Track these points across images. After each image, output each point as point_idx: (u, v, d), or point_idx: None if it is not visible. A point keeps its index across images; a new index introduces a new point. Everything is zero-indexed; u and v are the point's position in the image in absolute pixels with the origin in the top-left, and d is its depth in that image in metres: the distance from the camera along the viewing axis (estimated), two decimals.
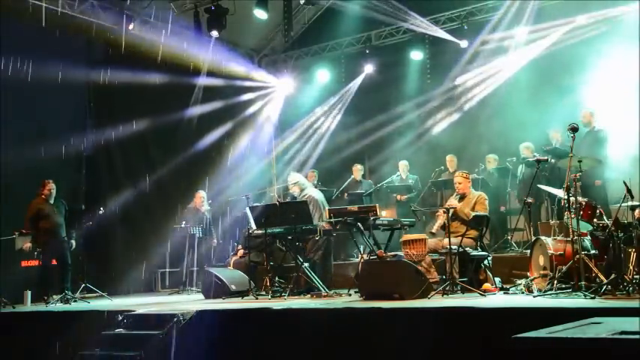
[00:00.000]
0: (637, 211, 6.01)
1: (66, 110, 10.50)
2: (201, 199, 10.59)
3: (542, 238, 6.63)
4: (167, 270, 11.16)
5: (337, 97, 13.43)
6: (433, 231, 7.47)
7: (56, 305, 8.35)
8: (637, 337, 2.49)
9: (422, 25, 12.01)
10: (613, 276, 5.67)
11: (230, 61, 12.43)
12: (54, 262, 9.09)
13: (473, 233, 7.26)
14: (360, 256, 8.24)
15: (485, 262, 7.18)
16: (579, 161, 6.25)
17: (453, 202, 7.42)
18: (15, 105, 9.49)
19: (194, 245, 10.31)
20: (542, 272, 6.47)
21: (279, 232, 7.92)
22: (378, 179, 11.67)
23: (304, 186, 8.70)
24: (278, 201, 9.92)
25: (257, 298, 7.62)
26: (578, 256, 5.81)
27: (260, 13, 11.30)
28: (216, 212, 11.27)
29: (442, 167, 10.85)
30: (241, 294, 8.02)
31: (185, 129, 11.85)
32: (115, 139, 11.07)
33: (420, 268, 6.80)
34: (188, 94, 11.92)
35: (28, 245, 8.63)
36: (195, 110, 12.12)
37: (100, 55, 10.96)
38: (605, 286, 5.57)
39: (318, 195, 8.62)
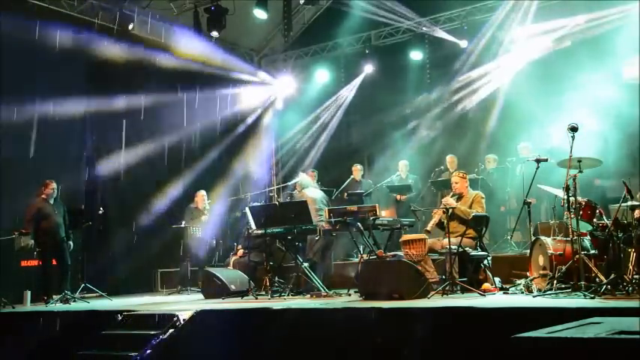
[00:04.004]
0: (637, 211, 6.02)
1: (66, 110, 10.47)
2: (203, 197, 10.59)
3: (542, 238, 6.63)
4: (167, 270, 11.15)
5: (337, 97, 13.43)
6: (428, 229, 7.47)
7: (56, 305, 8.35)
8: (637, 337, 2.49)
9: (422, 25, 12.02)
10: (613, 276, 5.68)
11: (229, 61, 12.43)
12: (53, 262, 9.09)
13: (472, 233, 7.25)
14: (360, 256, 8.24)
15: (485, 262, 7.18)
16: (579, 161, 6.25)
17: (450, 201, 7.40)
18: (15, 105, 9.47)
19: (194, 245, 10.31)
20: (541, 272, 6.46)
21: (279, 232, 7.92)
22: (378, 179, 11.67)
23: (303, 185, 8.73)
24: (278, 201, 9.93)
25: (257, 298, 7.62)
26: (577, 256, 5.81)
27: (260, 13, 11.31)
28: (217, 212, 11.27)
29: (442, 167, 10.86)
30: (241, 294, 8.03)
31: (187, 129, 11.86)
32: (115, 139, 11.06)
33: (419, 268, 6.80)
34: (188, 95, 11.91)
35: (29, 242, 8.61)
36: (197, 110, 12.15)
37: (99, 54, 10.93)
38: (604, 286, 5.57)
39: (315, 194, 8.62)
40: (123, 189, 11.22)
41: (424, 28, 12.04)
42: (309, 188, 8.80)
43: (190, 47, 11.46)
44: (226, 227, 11.28)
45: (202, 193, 10.67)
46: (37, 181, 9.13)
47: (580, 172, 6.15)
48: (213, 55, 11.92)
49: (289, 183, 8.99)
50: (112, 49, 10.76)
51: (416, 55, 12.29)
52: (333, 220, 7.78)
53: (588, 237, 6.37)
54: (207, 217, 10.44)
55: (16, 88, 9.44)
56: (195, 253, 10.32)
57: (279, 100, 13.80)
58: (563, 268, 6.01)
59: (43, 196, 8.98)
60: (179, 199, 11.25)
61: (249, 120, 13.40)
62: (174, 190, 11.41)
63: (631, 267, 5.85)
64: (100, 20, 10.89)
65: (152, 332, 6.18)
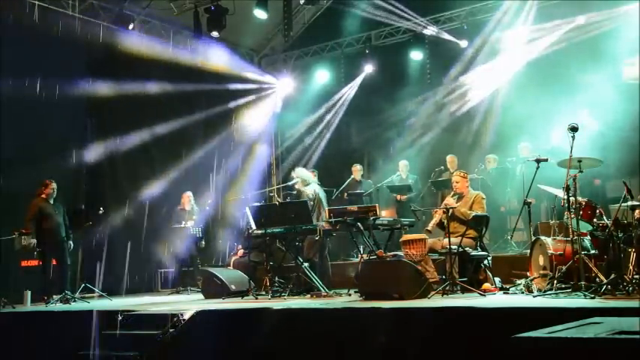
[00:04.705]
0: (637, 211, 6.01)
1: (66, 110, 10.48)
2: (188, 198, 10.57)
3: (542, 238, 6.63)
4: (167, 270, 11.15)
5: (337, 97, 13.44)
6: (429, 228, 7.47)
7: (56, 305, 8.35)
8: (637, 337, 2.49)
9: (422, 25, 12.02)
10: (613, 276, 5.68)
11: (229, 61, 12.43)
12: (53, 262, 9.08)
13: (472, 233, 7.25)
14: (360, 256, 8.24)
15: (485, 262, 7.18)
16: (579, 161, 6.25)
17: (450, 201, 7.40)
18: (15, 105, 9.47)
19: (194, 245, 10.32)
20: (542, 272, 6.46)
21: (279, 232, 7.92)
22: (378, 179, 11.67)
23: (308, 182, 8.67)
24: (278, 201, 9.92)
25: (257, 298, 7.62)
26: (578, 255, 5.81)
27: (260, 13, 11.31)
28: (216, 213, 11.29)
29: (442, 167, 10.87)
30: (241, 294, 8.02)
31: (187, 130, 11.85)
32: (116, 140, 11.06)
33: (419, 268, 6.80)
34: (189, 96, 11.91)
35: (31, 241, 8.60)
36: (197, 111, 12.15)
37: (100, 54, 10.95)
38: (604, 286, 5.57)
39: (321, 193, 8.61)
40: (123, 188, 11.20)
41: (424, 29, 12.04)
42: (315, 185, 8.74)
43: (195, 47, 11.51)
44: (225, 227, 11.29)
45: (188, 194, 10.63)
46: (37, 180, 9.12)
47: (580, 172, 6.15)
48: (215, 55, 11.94)
49: (289, 183, 8.95)
50: (114, 41, 10.77)
51: (416, 55, 12.29)
52: (333, 220, 7.78)
53: (588, 237, 6.36)
54: (196, 219, 10.40)
55: (17, 87, 9.42)
56: (195, 253, 10.36)
57: (279, 101, 13.79)
58: (564, 268, 6.01)
59: (43, 196, 8.97)
60: (175, 198, 11.21)
61: (249, 120, 13.38)
62: (172, 189, 11.38)
63: (631, 267, 5.85)
64: (101, 20, 10.91)
65: (152, 332, 6.18)
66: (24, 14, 9.62)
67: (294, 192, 9.17)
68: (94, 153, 10.94)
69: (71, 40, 10.32)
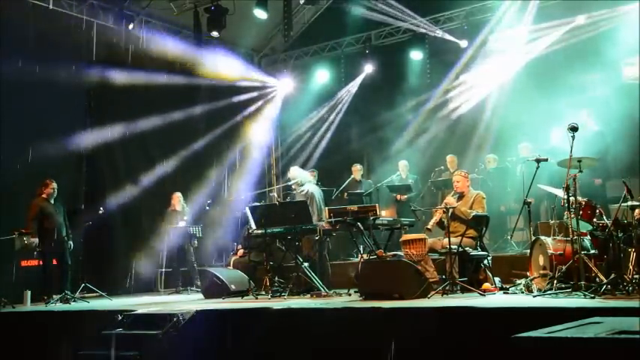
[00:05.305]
0: (637, 211, 6.02)
1: (66, 110, 10.48)
2: (178, 199, 10.57)
3: (542, 237, 6.63)
4: (167, 270, 11.16)
5: (337, 97, 13.44)
6: (429, 227, 7.47)
7: (56, 305, 8.35)
8: (637, 337, 2.49)
9: (422, 25, 12.02)
10: (613, 276, 5.68)
11: (229, 61, 12.43)
12: (54, 262, 9.08)
13: (472, 233, 7.25)
14: (360, 256, 8.24)
15: (485, 261, 7.18)
16: (579, 161, 6.25)
17: (451, 200, 7.40)
18: (15, 105, 9.47)
19: (188, 245, 10.32)
20: (541, 272, 6.46)
21: (279, 231, 7.92)
22: (378, 179, 11.67)
23: (303, 182, 8.68)
24: (278, 201, 9.92)
25: (257, 298, 7.62)
26: (577, 255, 5.81)
27: (260, 13, 11.31)
28: (216, 213, 11.28)
29: (442, 167, 10.87)
30: (241, 294, 8.03)
31: (186, 129, 11.85)
32: (115, 139, 11.06)
33: (419, 267, 6.80)
34: (188, 94, 11.90)
35: (33, 241, 8.59)
36: (196, 110, 12.15)
37: (100, 55, 10.95)
38: (604, 286, 5.57)
39: (316, 192, 8.60)
40: (123, 188, 11.20)
41: (424, 29, 12.04)
42: (310, 185, 8.74)
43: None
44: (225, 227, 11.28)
45: (178, 195, 10.63)
46: (37, 180, 9.11)
47: (580, 171, 6.15)
48: (215, 56, 11.95)
49: (289, 183, 8.96)
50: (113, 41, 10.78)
51: (416, 55, 12.29)
52: (333, 219, 7.78)
53: (588, 237, 6.36)
54: (187, 220, 10.39)
55: (17, 88, 9.42)
56: (194, 253, 10.36)
57: (279, 101, 13.79)
58: (563, 268, 6.01)
59: (43, 195, 8.96)
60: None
61: (249, 121, 13.38)
62: (171, 188, 11.37)
63: (631, 267, 5.86)
64: (101, 20, 10.92)
65: (152, 332, 6.18)
66: (24, 14, 9.63)
67: (294, 191, 9.18)
68: (93, 153, 10.96)
69: (71, 39, 10.34)
